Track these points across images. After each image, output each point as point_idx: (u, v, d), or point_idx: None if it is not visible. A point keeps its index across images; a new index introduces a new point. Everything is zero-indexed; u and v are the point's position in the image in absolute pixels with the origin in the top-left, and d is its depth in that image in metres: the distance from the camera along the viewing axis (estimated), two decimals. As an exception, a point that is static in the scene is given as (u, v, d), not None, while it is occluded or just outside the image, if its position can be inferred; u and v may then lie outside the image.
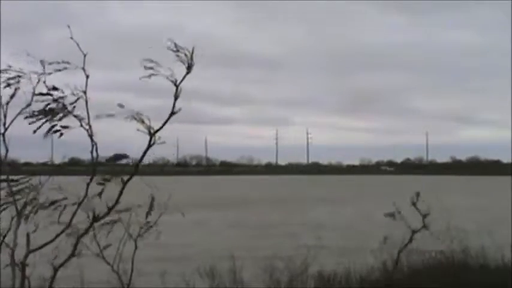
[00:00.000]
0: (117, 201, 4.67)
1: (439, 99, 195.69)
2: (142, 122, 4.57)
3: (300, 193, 52.61)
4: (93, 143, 4.63)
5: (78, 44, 4.48)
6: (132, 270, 5.31)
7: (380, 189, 57.54)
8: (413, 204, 8.54)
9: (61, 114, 4.49)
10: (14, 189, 4.52)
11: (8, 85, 4.50)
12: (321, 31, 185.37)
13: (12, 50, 4.42)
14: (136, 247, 5.13)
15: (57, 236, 4.64)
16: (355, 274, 9.33)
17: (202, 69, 4.71)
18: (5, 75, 4.49)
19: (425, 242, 8.85)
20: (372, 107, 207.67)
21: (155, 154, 4.76)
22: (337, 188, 62.71)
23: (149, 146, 4.66)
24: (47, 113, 4.49)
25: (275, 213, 31.06)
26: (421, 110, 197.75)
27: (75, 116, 4.53)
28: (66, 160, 8.59)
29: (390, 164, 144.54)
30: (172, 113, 4.63)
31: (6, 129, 4.62)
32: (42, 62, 4.45)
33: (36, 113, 4.48)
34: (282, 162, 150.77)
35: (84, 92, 4.54)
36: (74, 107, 4.53)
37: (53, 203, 4.53)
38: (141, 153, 4.67)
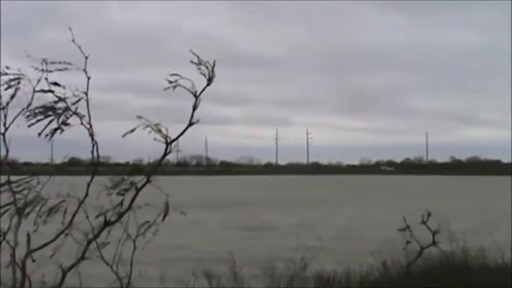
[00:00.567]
0: (129, 207, 4.69)
1: (438, 99, 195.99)
2: (160, 131, 4.58)
3: (300, 193, 52.63)
4: (94, 143, 4.63)
5: (80, 47, 4.48)
6: (130, 272, 5.30)
7: (380, 189, 57.64)
8: (424, 222, 8.57)
9: (62, 111, 4.48)
10: (15, 189, 4.52)
11: (9, 87, 4.49)
12: (321, 31, 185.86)
13: (11, 50, 4.42)
14: (135, 247, 5.13)
15: (58, 236, 4.63)
16: (355, 274, 9.33)
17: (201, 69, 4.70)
18: (5, 77, 4.48)
19: (425, 242, 8.84)
20: (371, 107, 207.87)
21: (155, 154, 4.77)
22: (337, 188, 62.76)
23: (165, 154, 4.68)
24: (48, 110, 4.48)
25: (275, 213, 31.06)
26: (421, 110, 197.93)
27: (77, 114, 4.53)
28: (66, 160, 8.60)
29: (390, 164, 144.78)
30: (191, 124, 4.64)
31: (6, 129, 4.61)
32: (44, 61, 4.44)
33: (37, 111, 4.46)
34: (282, 162, 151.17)
35: (86, 94, 4.53)
36: (76, 108, 4.53)
37: (53, 208, 4.52)
38: (140, 153, 4.68)
